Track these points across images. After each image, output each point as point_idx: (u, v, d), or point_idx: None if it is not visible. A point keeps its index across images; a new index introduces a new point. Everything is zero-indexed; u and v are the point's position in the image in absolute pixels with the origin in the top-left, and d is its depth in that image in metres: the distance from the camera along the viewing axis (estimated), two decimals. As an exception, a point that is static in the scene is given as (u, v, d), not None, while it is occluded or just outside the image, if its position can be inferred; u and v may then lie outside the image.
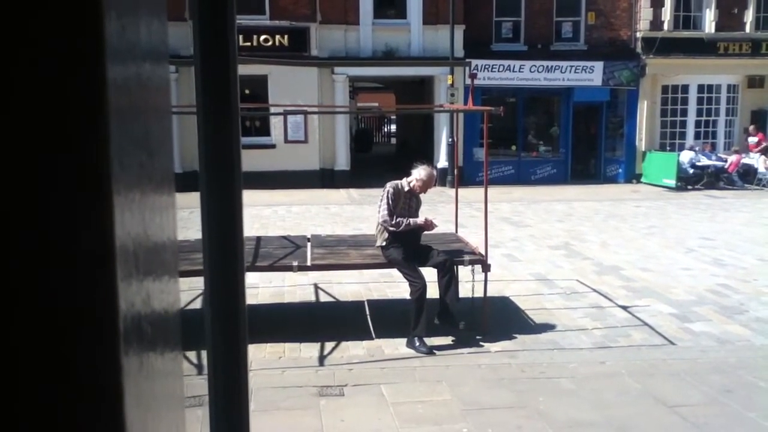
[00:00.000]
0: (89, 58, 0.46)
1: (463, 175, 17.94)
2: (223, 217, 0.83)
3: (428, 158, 16.50)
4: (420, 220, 6.33)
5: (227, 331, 0.85)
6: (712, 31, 21.00)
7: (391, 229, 6.21)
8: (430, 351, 5.96)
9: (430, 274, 6.33)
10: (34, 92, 0.45)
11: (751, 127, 21.02)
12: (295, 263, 6.30)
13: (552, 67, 20.25)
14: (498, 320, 6.72)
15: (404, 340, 6.12)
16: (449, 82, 18.86)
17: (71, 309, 0.47)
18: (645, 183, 20.46)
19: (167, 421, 0.66)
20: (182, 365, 0.77)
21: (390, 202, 6.22)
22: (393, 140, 38.17)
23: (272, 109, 17.11)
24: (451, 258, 6.35)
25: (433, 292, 6.22)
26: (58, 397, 0.47)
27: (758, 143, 20.54)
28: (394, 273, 6.84)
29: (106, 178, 0.47)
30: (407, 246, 6.25)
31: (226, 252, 0.83)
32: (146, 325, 0.55)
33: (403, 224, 6.19)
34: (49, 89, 0.45)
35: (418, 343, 5.99)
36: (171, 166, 0.71)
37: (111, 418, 0.48)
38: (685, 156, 19.54)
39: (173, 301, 0.69)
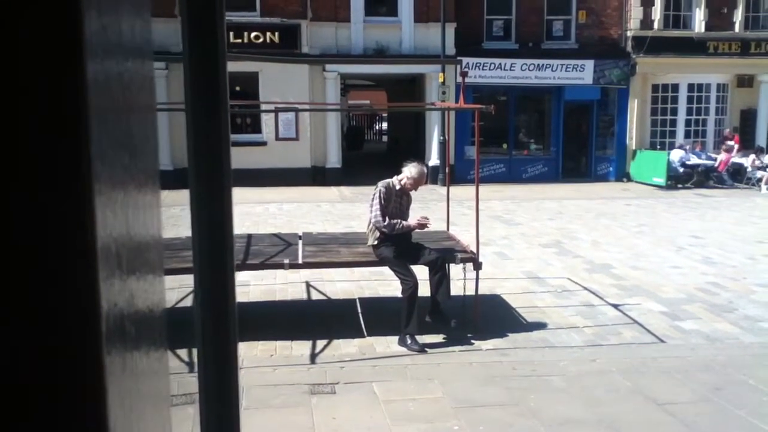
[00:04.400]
0: (68, 57, 0.45)
1: (455, 173, 17.96)
2: (212, 215, 0.83)
3: (420, 156, 16.52)
4: (413, 223, 6.32)
5: (217, 328, 0.85)
6: (702, 30, 21.09)
7: (384, 230, 6.21)
8: (422, 349, 5.96)
9: (421, 272, 6.33)
10: (12, 91, 0.44)
11: (727, 131, 21.07)
12: (287, 261, 6.29)
13: (543, 65, 20.30)
14: (489, 318, 6.73)
15: (396, 338, 6.12)
16: (440, 80, 18.87)
17: (52, 308, 0.46)
18: (635, 181, 20.55)
19: (153, 421, 0.66)
20: (168, 364, 0.77)
21: (382, 201, 6.22)
22: (384, 138, 38.18)
23: (263, 107, 17.09)
24: (443, 256, 6.36)
25: (424, 290, 6.23)
26: (39, 397, 0.46)
27: (733, 146, 20.44)
28: (386, 271, 6.84)
29: (87, 177, 0.46)
30: (399, 244, 6.25)
31: (215, 249, 0.83)
32: (130, 324, 0.55)
33: (396, 227, 6.19)
34: (28, 89, 0.44)
35: (409, 341, 5.99)
36: (155, 164, 0.70)
37: (94, 417, 0.48)
38: (676, 155, 19.63)
39: (158, 299, 0.69)
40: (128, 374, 0.54)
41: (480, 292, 6.61)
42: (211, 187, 0.82)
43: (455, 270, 6.82)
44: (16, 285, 0.45)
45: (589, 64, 20.56)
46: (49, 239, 0.46)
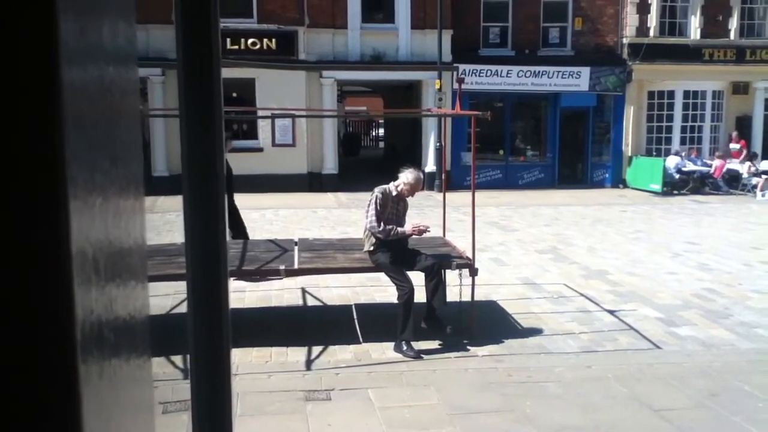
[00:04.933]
0: (42, 59, 0.45)
1: (451, 180, 17.95)
2: (205, 221, 0.82)
3: (416, 162, 16.53)
4: (408, 229, 6.32)
5: (210, 335, 0.85)
6: (698, 37, 21.18)
7: (379, 236, 6.21)
8: (418, 355, 5.95)
9: (417, 278, 6.33)
10: None
11: (734, 134, 21.21)
12: (283, 267, 6.28)
13: (539, 72, 20.34)
14: (485, 324, 6.73)
15: (392, 344, 6.11)
16: (437, 86, 18.91)
17: (24, 314, 0.45)
18: (631, 188, 20.61)
19: (133, 430, 0.65)
20: (151, 371, 0.76)
21: (378, 207, 6.22)
22: (381, 144, 38.20)
23: (260, 113, 17.08)
24: (439, 262, 6.36)
25: (420, 296, 6.22)
26: (8, 405, 0.46)
27: (740, 150, 20.75)
28: (382, 277, 6.83)
29: (62, 181, 0.45)
30: (395, 250, 6.25)
31: (208, 256, 0.83)
32: (108, 331, 0.54)
33: (392, 233, 6.19)
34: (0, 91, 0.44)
35: (405, 347, 5.99)
36: (139, 170, 0.70)
37: (67, 426, 0.47)
38: (671, 161, 19.69)
39: (140, 306, 0.68)
40: (106, 382, 0.53)
41: (476, 298, 6.60)
42: (204, 193, 0.82)
43: (451, 276, 6.82)
44: None
45: (585, 71, 20.61)
46: (20, 243, 0.45)
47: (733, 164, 20.21)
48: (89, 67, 0.51)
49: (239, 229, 8.70)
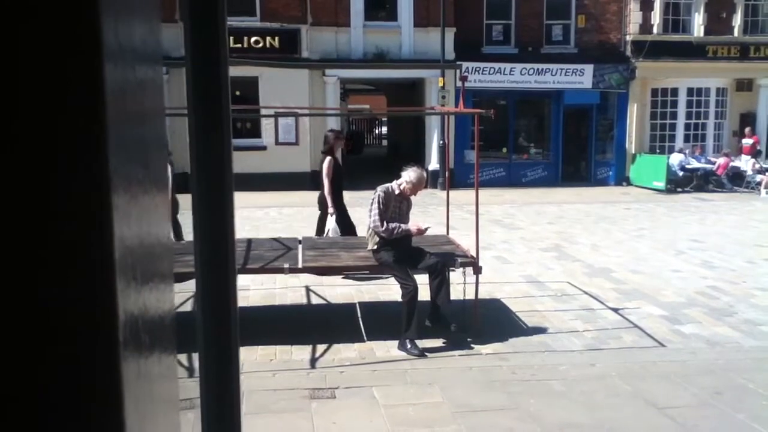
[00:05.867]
0: (87, 62, 0.45)
1: (454, 178, 17.96)
2: (214, 220, 0.83)
3: (420, 160, 16.51)
4: (413, 228, 6.32)
5: (219, 333, 0.85)
6: (701, 34, 21.14)
7: (383, 235, 6.21)
8: (422, 353, 5.96)
9: (421, 276, 6.33)
10: (32, 97, 0.44)
11: (747, 129, 21.15)
12: (286, 265, 6.28)
13: (542, 69, 20.32)
14: (489, 322, 6.73)
15: (396, 343, 6.12)
16: (440, 84, 18.90)
17: (72, 318, 0.47)
18: (635, 185, 20.59)
19: (164, 424, 0.66)
20: (176, 369, 0.77)
21: (381, 206, 6.22)
22: (384, 142, 38.22)
23: (263, 111, 17.09)
24: (443, 260, 6.36)
25: (424, 294, 6.23)
26: (58, 402, 0.47)
27: (753, 146, 20.69)
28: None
29: (106, 185, 0.46)
30: (399, 249, 6.25)
31: (217, 254, 0.83)
32: (144, 332, 0.56)
33: (395, 231, 6.19)
34: (47, 95, 0.45)
35: (409, 346, 5.99)
36: (165, 170, 0.71)
37: (111, 421, 0.49)
38: (675, 158, 19.67)
39: (169, 307, 0.69)
40: (142, 380, 0.56)
41: (480, 296, 6.60)
42: (212, 192, 0.83)
43: (455, 274, 6.82)
44: (36, 294, 0.46)
45: (589, 68, 20.59)
46: (70, 254, 0.46)
47: (738, 161, 20.16)
48: (125, 66, 0.52)
49: (349, 226, 8.87)
